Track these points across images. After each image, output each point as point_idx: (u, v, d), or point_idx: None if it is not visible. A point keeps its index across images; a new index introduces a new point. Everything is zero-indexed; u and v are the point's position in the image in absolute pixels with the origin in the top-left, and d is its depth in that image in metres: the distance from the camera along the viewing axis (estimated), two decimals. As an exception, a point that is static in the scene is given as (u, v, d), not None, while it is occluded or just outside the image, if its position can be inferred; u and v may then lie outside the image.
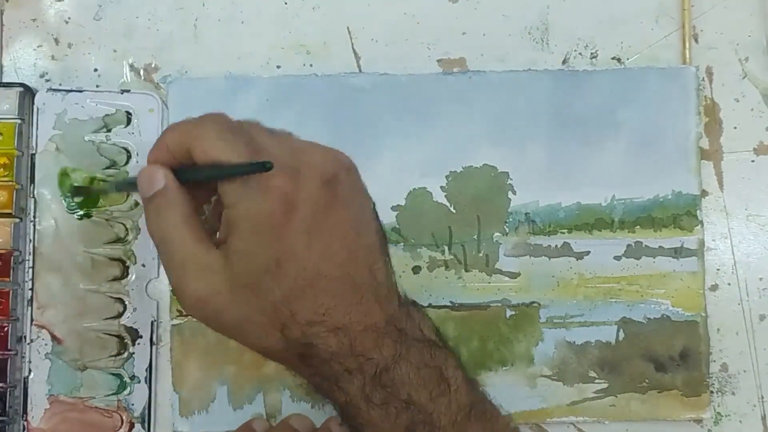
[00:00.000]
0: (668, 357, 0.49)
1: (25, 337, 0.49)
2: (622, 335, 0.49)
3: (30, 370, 0.49)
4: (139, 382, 0.49)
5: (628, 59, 0.52)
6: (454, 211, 0.50)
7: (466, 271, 0.50)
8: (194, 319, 0.49)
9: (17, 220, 0.49)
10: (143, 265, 0.50)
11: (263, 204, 0.34)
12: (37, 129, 0.50)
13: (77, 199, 0.50)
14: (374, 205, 0.38)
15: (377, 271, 0.36)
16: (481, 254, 0.50)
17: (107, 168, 0.50)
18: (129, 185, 0.46)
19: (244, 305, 0.35)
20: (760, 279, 0.50)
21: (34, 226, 0.50)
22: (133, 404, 0.49)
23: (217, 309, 0.35)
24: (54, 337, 0.49)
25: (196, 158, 0.36)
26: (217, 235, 0.37)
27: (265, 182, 0.34)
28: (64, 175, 0.50)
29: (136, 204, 0.50)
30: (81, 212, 0.50)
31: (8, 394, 0.48)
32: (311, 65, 0.52)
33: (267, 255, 0.34)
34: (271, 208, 0.34)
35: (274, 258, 0.34)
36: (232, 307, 0.35)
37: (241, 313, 0.35)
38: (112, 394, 0.49)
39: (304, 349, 0.35)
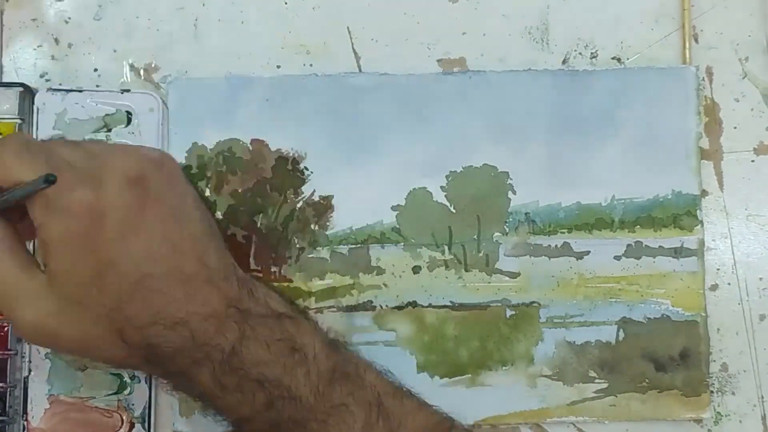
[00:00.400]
0: (668, 357, 0.49)
1: (25, 337, 0.49)
2: (622, 335, 0.49)
3: (30, 370, 0.49)
4: (139, 382, 0.49)
5: (628, 59, 0.52)
6: (454, 211, 0.50)
7: (466, 271, 0.50)
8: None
9: (17, 220, 0.49)
10: (143, 265, 0.50)
11: (69, 219, 0.33)
12: (37, 129, 0.50)
13: None
14: (199, 191, 0.38)
15: (207, 259, 0.36)
16: (481, 254, 0.50)
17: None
18: None
19: (78, 322, 0.35)
20: (760, 279, 0.50)
21: (34, 226, 0.50)
22: (133, 404, 0.49)
23: (52, 332, 0.35)
24: (54, 337, 0.49)
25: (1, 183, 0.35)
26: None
27: (66, 196, 0.34)
28: None
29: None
30: None
31: (8, 394, 0.48)
32: (311, 65, 0.52)
33: (85, 269, 0.34)
34: (77, 223, 0.33)
35: (94, 270, 0.34)
36: (67, 327, 0.35)
37: (77, 331, 0.35)
38: (112, 394, 0.49)
39: (147, 351, 0.35)
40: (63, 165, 0.34)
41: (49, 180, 0.32)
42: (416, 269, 0.50)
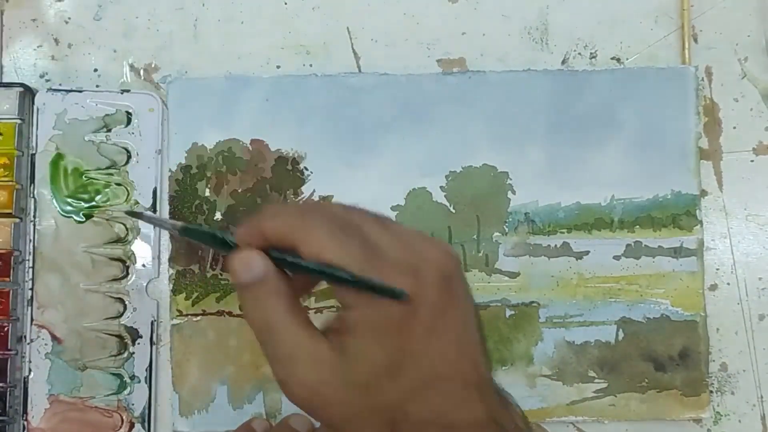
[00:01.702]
0: (668, 357, 0.49)
1: (25, 337, 0.49)
2: (621, 335, 0.49)
3: (30, 370, 0.49)
4: (139, 382, 0.49)
5: (627, 59, 0.52)
6: (453, 211, 0.50)
7: (466, 270, 0.50)
8: (195, 320, 0.49)
9: (17, 220, 0.49)
10: (143, 265, 0.50)
11: (384, 308, 0.33)
12: (37, 129, 0.50)
13: None
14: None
15: (480, 367, 0.36)
16: (480, 254, 0.50)
17: (107, 168, 0.50)
18: (199, 236, 0.38)
19: (356, 403, 0.34)
20: (760, 279, 0.51)
21: (34, 226, 0.50)
22: (133, 404, 0.49)
23: (326, 401, 0.34)
24: (54, 337, 0.49)
25: (302, 254, 0.33)
26: (329, 329, 0.35)
27: (386, 283, 0.33)
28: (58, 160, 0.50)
29: (136, 202, 0.50)
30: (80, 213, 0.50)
31: (8, 393, 0.49)
32: (311, 65, 0.52)
33: (386, 358, 0.33)
34: (392, 312, 0.33)
35: (392, 360, 0.33)
36: (343, 403, 0.34)
37: (352, 410, 0.34)
38: (112, 394, 0.49)
39: None
40: (378, 252, 0.33)
41: (400, 297, 0.32)
42: (416, 269, 0.50)
